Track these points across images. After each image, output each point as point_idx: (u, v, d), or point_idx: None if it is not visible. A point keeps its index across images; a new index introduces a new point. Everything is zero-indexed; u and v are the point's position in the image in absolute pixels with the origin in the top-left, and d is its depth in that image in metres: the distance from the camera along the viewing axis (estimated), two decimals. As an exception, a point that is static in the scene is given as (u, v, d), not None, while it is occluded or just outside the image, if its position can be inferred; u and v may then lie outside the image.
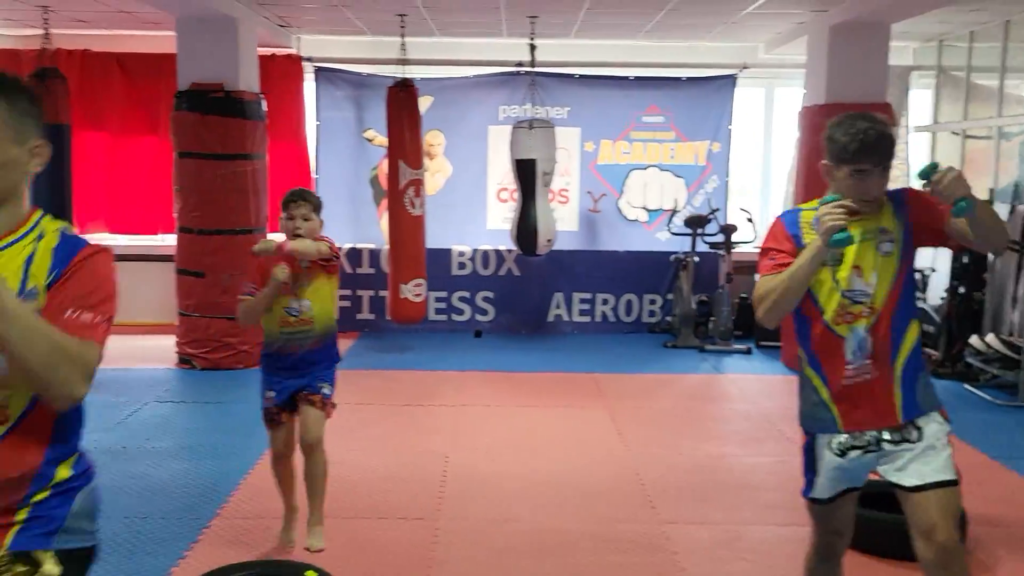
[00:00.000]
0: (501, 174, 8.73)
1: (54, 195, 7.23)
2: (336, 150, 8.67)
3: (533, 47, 7.31)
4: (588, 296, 8.77)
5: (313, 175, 8.62)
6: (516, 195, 7.61)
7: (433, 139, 8.66)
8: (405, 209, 7.33)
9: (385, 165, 8.72)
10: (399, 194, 7.32)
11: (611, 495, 4.42)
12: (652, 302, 8.76)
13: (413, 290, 7.45)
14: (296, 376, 3.60)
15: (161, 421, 5.64)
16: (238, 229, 6.88)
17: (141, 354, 7.34)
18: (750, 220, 7.87)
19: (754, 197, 9.12)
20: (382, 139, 8.69)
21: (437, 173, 8.75)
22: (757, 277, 2.62)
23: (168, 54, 8.33)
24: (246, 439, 5.19)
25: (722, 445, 5.34)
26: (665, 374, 7.14)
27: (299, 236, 3.54)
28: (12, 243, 1.67)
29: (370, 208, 8.73)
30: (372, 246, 8.63)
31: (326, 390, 3.64)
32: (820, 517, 2.71)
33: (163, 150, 8.52)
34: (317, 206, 3.64)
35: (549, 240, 7.48)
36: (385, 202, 8.74)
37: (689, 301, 8.09)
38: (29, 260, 1.66)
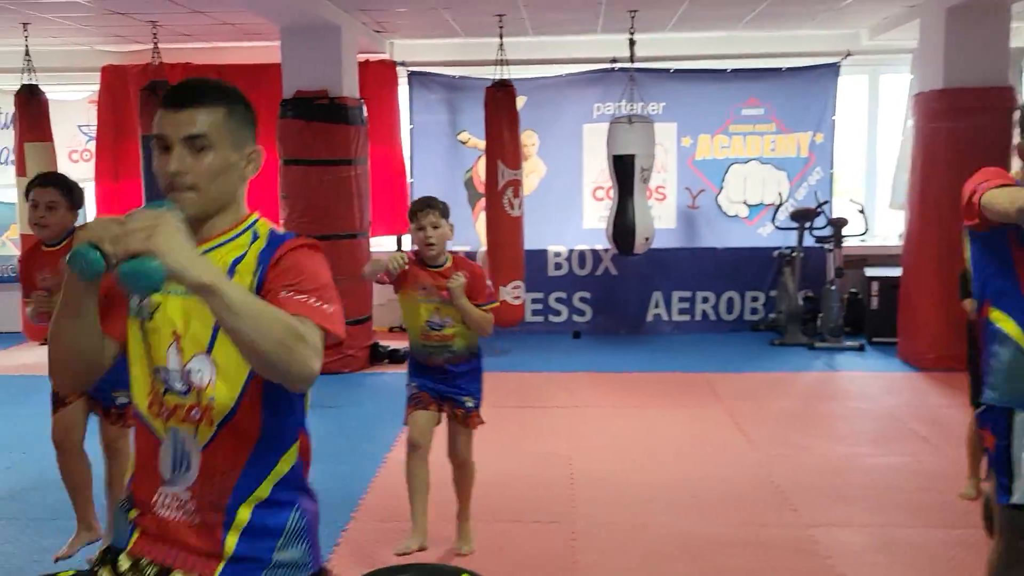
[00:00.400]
0: (596, 172, 8.63)
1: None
2: (430, 153, 8.69)
3: (632, 42, 7.19)
4: (688, 295, 8.59)
5: (408, 179, 8.64)
6: (613, 193, 7.48)
7: (527, 139, 8.60)
8: (504, 210, 7.28)
9: (480, 167, 8.73)
10: (498, 195, 7.27)
11: (747, 497, 4.28)
12: (754, 299, 8.54)
13: (512, 292, 7.39)
14: (442, 383, 3.56)
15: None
16: (344, 234, 6.93)
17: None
18: (862, 212, 7.60)
19: (858, 188, 8.82)
20: (476, 141, 8.69)
21: (531, 173, 8.68)
22: (984, 193, 2.28)
23: (265, 64, 8.50)
24: (367, 443, 5.21)
25: (853, 445, 5.13)
26: (778, 372, 6.93)
27: (431, 244, 3.47)
28: (223, 243, 1.68)
29: (465, 210, 8.71)
30: (467, 248, 8.60)
31: (469, 403, 3.60)
32: (1018, 526, 2.49)
33: (265, 158, 8.68)
34: (445, 212, 3.55)
35: (647, 239, 7.34)
36: (480, 204, 8.74)
37: (795, 298, 7.86)
38: (237, 260, 1.67)
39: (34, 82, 7.57)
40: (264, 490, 1.65)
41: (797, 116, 8.45)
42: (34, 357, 7.73)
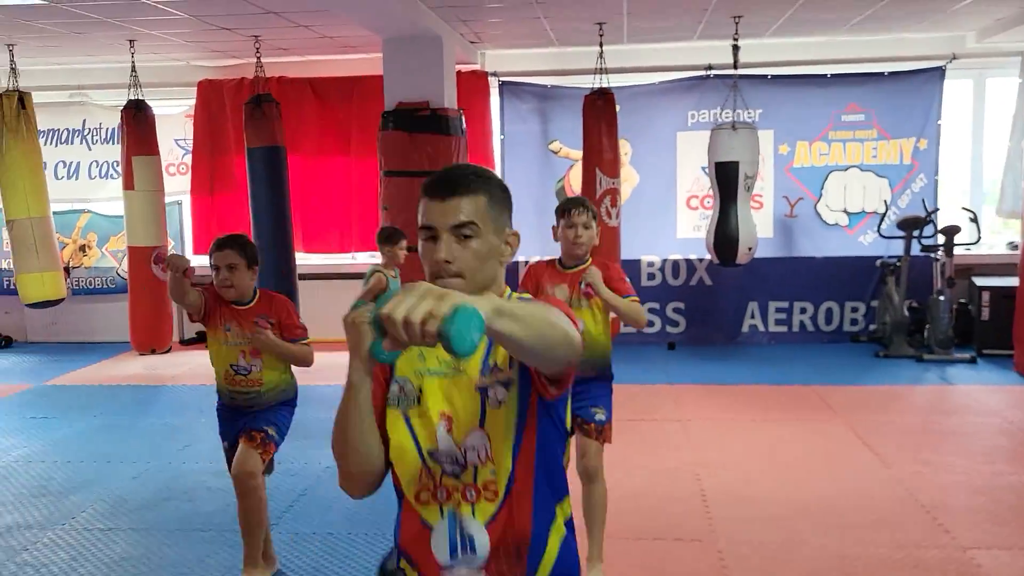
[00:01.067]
0: (691, 181, 8.51)
1: (276, 216, 7.49)
2: (521, 163, 8.64)
3: (736, 48, 7.05)
4: (785, 305, 8.41)
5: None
6: (714, 201, 7.34)
7: (620, 148, 8.50)
8: (601, 220, 7.18)
9: (571, 177, 8.66)
10: (595, 204, 7.18)
11: (893, 518, 4.12)
12: (854, 310, 8.32)
13: (615, 302, 7.28)
14: (576, 397, 3.44)
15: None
16: (445, 245, 6.90)
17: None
18: (974, 220, 7.34)
19: (962, 195, 8.53)
20: (568, 151, 8.63)
21: (624, 183, 8.57)
22: None
23: (358, 76, 8.58)
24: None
25: (991, 462, 4.92)
26: (889, 385, 6.71)
27: (580, 243, 3.38)
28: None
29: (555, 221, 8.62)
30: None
31: (600, 416, 3.46)
32: None
33: (354, 170, 8.75)
34: (596, 214, 3.51)
35: (750, 248, 7.18)
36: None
37: (901, 308, 7.62)
38: None
39: (140, 97, 7.72)
40: (553, 546, 1.64)
41: (900, 121, 8.21)
42: (139, 367, 7.87)
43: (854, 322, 8.35)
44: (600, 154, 7.15)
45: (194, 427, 5.94)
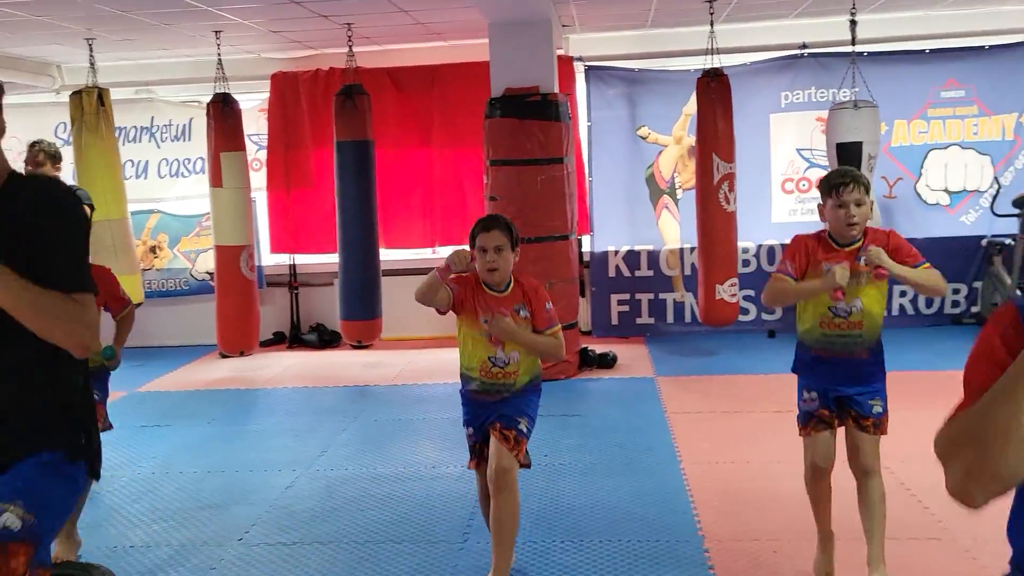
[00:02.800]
0: (785, 164, 8.27)
1: (365, 212, 7.22)
2: (609, 150, 8.38)
3: (854, 22, 6.79)
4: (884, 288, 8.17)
5: (587, 177, 8.36)
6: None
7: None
8: (719, 205, 6.95)
9: (661, 162, 8.42)
10: (712, 190, 6.94)
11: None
12: (955, 291, 8.11)
13: (728, 290, 7.06)
14: (849, 383, 3.20)
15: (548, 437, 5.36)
16: (557, 236, 6.67)
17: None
18: (1096, 195, 7.13)
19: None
20: (656, 136, 8.38)
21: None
22: None
23: (438, 65, 8.31)
24: (641, 453, 4.91)
25: None
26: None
27: (854, 224, 3.09)
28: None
29: (646, 208, 8.39)
30: (650, 247, 8.32)
31: (878, 408, 3.17)
32: None
33: (436, 162, 8.48)
34: (869, 186, 3.19)
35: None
36: (662, 201, 8.43)
37: (1012, 289, 7.41)
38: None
39: (227, 91, 7.43)
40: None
41: (1001, 96, 7.98)
42: (226, 370, 7.59)
43: (955, 304, 8.14)
44: (716, 138, 6.89)
45: (318, 431, 5.68)
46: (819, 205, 3.20)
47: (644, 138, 8.38)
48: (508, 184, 6.64)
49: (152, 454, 5.36)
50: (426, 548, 3.84)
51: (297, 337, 8.64)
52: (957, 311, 8.12)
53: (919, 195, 8.21)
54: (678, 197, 8.35)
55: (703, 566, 3.54)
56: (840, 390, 3.18)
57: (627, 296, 8.39)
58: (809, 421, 3.24)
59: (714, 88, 6.90)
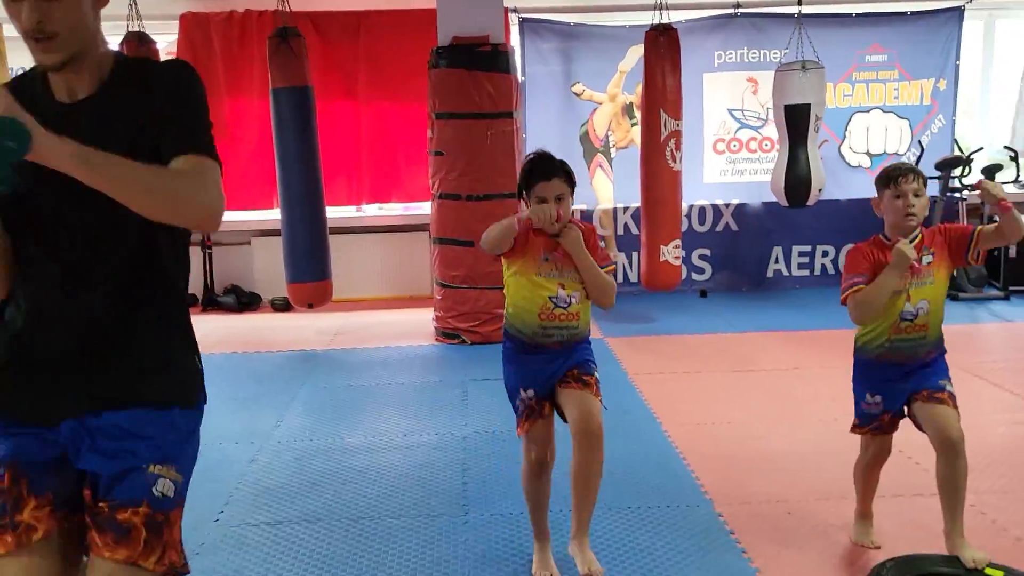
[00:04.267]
0: (718, 124, 8.29)
1: (307, 165, 6.79)
2: (543, 106, 8.18)
3: (798, -17, 6.81)
4: (808, 249, 8.39)
5: (521, 134, 8.12)
6: (781, 144, 7.14)
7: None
8: (666, 163, 6.88)
9: (595, 120, 8.29)
10: (659, 147, 6.86)
11: None
12: (873, 251, 8.38)
13: (673, 251, 7.04)
14: (915, 380, 3.06)
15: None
16: (506, 193, 6.43)
17: (401, 329, 6.98)
18: (1014, 158, 7.47)
19: (971, 134, 8.70)
20: (591, 93, 8.23)
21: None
22: None
23: (366, 11, 7.86)
24: (618, 416, 4.81)
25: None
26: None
27: (913, 215, 3.00)
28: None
29: (580, 167, 8.25)
30: (583, 207, 8.20)
31: (949, 387, 3.04)
32: None
33: (363, 116, 8.05)
34: (926, 180, 3.08)
35: (820, 189, 7.05)
36: (596, 160, 8.32)
37: (930, 248, 7.71)
38: None
39: (142, 30, 6.78)
40: None
41: (920, 62, 8.25)
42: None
43: (873, 264, 8.42)
44: (664, 94, 6.79)
45: (264, 399, 5.32)
46: (873, 199, 3.12)
47: (579, 95, 8.22)
48: (456, 138, 6.35)
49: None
50: (427, 523, 3.61)
51: (212, 300, 8.10)
52: (874, 270, 8.40)
53: (843, 157, 8.42)
54: (612, 156, 8.26)
55: (723, 531, 3.46)
56: (907, 387, 3.10)
57: (559, 256, 8.27)
58: (871, 423, 3.18)
59: (663, 43, 6.79)
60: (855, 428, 3.25)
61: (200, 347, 1.82)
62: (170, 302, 1.70)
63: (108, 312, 1.59)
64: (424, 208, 7.72)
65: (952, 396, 3.03)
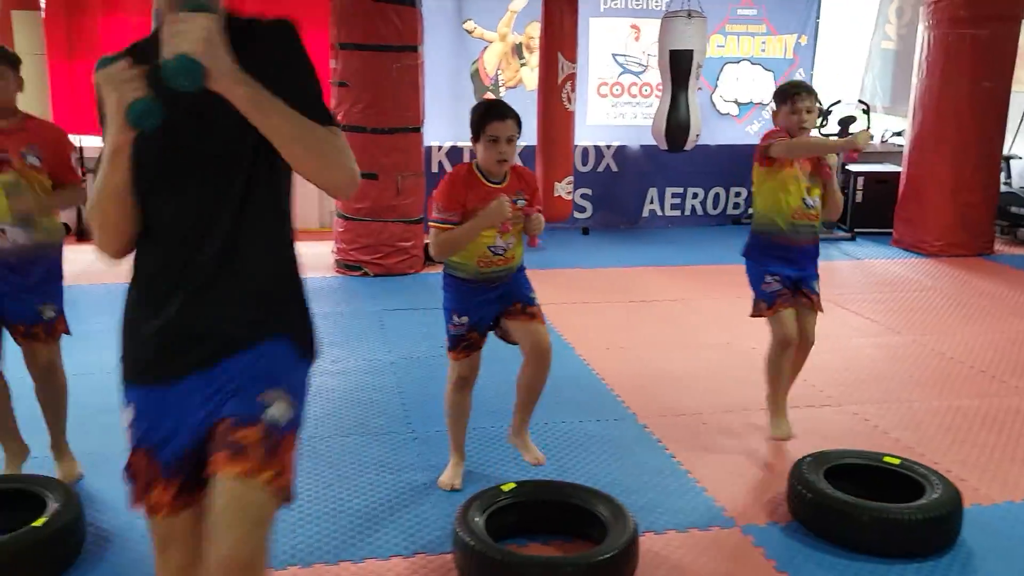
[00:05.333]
0: (602, 68, 8.62)
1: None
2: (434, 44, 8.19)
3: (689, -66, 7.15)
4: (680, 191, 8.94)
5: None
6: (664, 88, 7.53)
7: (532, 32, 8.38)
8: (561, 104, 7.16)
9: (486, 58, 8.42)
10: (556, 88, 7.12)
11: (956, 374, 4.75)
12: (737, 195, 9.04)
13: (566, 187, 7.36)
14: (804, 267, 3.66)
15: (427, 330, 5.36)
16: (410, 127, 6.53)
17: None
18: (866, 112, 8.21)
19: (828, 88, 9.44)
20: (482, 31, 8.35)
21: (535, 69, 8.50)
22: None
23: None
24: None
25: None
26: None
27: (806, 128, 3.49)
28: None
29: (470, 105, 8.38)
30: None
31: (817, 286, 3.69)
32: None
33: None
34: (818, 98, 3.62)
35: (698, 135, 7.52)
36: (483, 98, 8.47)
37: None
38: None
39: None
40: None
41: (785, 18, 8.86)
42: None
43: (736, 206, 9.08)
44: (561, 37, 7.02)
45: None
46: (773, 111, 3.57)
47: (470, 32, 8.32)
48: (361, 70, 6.35)
49: None
50: (376, 439, 3.80)
51: (85, 230, 7.75)
52: (738, 212, 9.06)
53: (714, 105, 8.96)
54: (501, 95, 8.44)
55: (651, 439, 3.84)
56: (797, 273, 3.61)
57: (448, 192, 8.43)
58: (775, 301, 3.61)
59: (562, -13, 6.99)
60: (764, 312, 3.67)
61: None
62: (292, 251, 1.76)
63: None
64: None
65: (818, 297, 3.72)
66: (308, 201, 8.08)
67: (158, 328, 1.63)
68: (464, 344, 3.28)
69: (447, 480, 3.37)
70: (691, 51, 7.17)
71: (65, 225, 3.28)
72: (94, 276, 5.82)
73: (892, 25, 9.38)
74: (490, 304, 3.21)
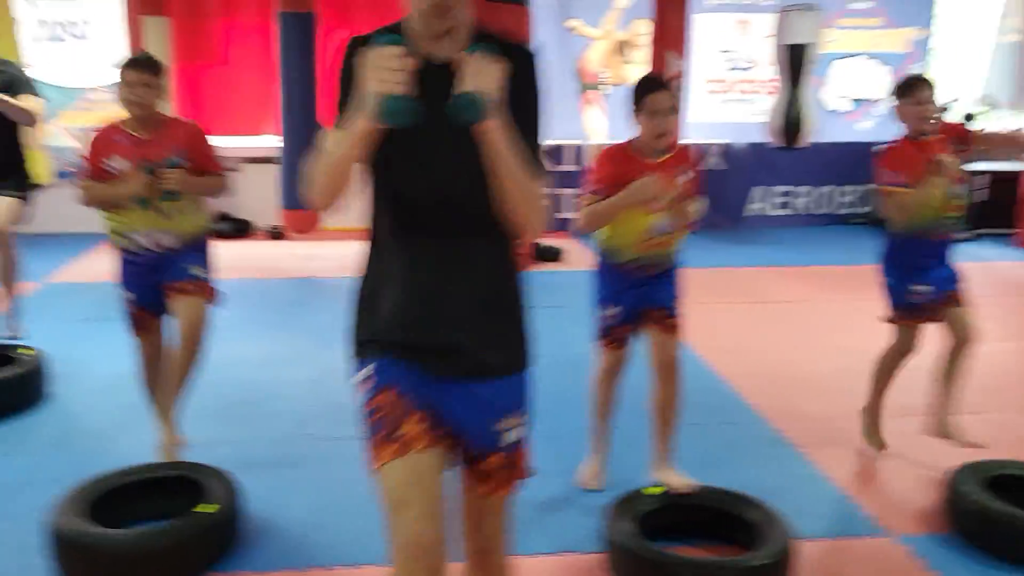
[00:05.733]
0: (707, 64, 8.49)
1: (305, 91, 6.73)
2: (537, 40, 8.21)
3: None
4: (786, 189, 8.73)
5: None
6: (780, 84, 7.36)
7: (639, 30, 8.30)
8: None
9: (589, 56, 8.38)
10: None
11: None
12: (846, 194, 8.78)
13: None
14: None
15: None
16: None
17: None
18: (990, 108, 7.88)
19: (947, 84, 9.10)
20: (586, 29, 8.31)
21: (639, 65, 8.42)
22: None
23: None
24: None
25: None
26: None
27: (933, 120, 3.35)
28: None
29: (573, 102, 8.37)
30: (576, 142, 8.33)
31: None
32: None
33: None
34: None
35: (813, 132, 7.32)
36: (587, 95, 8.43)
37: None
38: None
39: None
40: None
41: (902, 11, 8.57)
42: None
43: (846, 205, 8.82)
44: (670, 35, 6.93)
45: (296, 322, 5.38)
46: (895, 106, 3.39)
47: (573, 30, 8.29)
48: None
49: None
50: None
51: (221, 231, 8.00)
52: (847, 212, 8.80)
53: (823, 101, 8.72)
54: (605, 93, 8.38)
55: (786, 443, 3.74)
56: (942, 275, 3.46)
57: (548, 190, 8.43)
58: (918, 313, 3.46)
59: (674, -17, 6.90)
60: (897, 320, 3.50)
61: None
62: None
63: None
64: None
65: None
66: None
67: (405, 318, 1.71)
68: (614, 335, 3.22)
69: (588, 479, 3.33)
70: (808, 45, 6.98)
71: (208, 223, 3.36)
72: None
73: (1017, 17, 8.96)
74: (640, 299, 3.15)
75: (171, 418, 3.35)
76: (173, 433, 3.34)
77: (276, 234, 7.93)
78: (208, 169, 3.27)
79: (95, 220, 3.37)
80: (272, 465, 3.48)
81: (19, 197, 4.63)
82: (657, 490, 2.94)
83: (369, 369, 1.73)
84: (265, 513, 3.09)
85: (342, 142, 1.60)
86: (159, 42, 6.52)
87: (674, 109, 2.97)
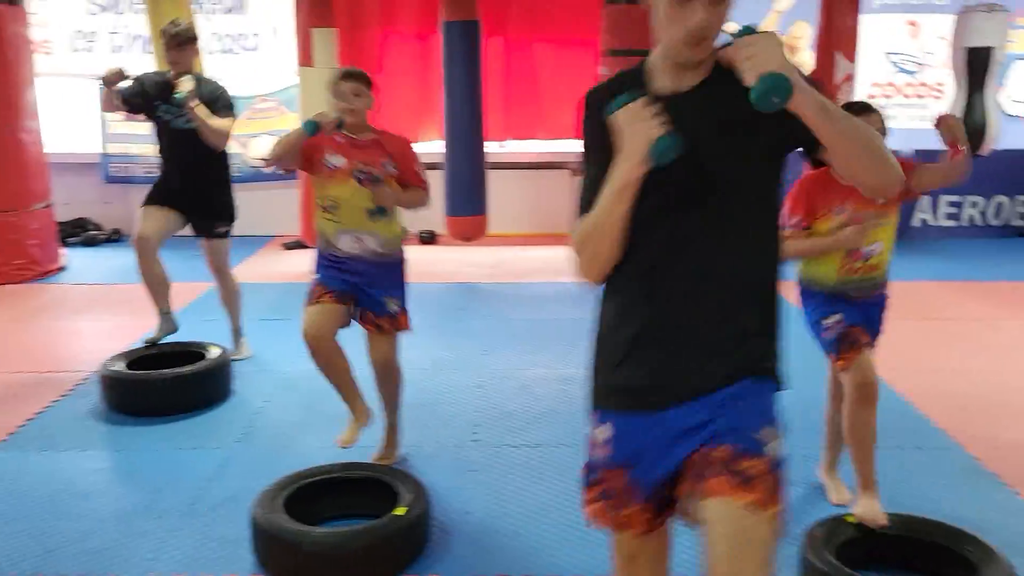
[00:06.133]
0: (873, 67, 8.12)
1: (472, 100, 6.82)
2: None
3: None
4: (957, 199, 8.23)
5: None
6: (961, 89, 6.96)
7: (797, 31, 8.03)
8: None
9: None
10: (834, 90, 6.74)
11: None
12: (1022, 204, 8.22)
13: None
14: None
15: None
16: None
17: (554, 266, 7.02)
18: None
19: None
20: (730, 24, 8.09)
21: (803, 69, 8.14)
22: None
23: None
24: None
25: None
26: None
27: None
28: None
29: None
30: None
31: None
32: None
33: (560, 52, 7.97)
34: None
35: (995, 139, 6.89)
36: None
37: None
38: None
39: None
40: None
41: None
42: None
43: (1021, 216, 8.25)
44: (839, 36, 6.65)
45: (452, 326, 5.45)
46: None
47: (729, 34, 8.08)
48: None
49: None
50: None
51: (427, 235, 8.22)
52: (1022, 224, 8.23)
53: (1000, 105, 8.18)
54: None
55: (984, 471, 3.50)
56: None
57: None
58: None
59: (843, -17, 6.63)
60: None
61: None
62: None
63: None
64: (565, 146, 7.78)
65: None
66: (557, 206, 8.13)
67: (639, 359, 1.67)
68: (849, 341, 2.98)
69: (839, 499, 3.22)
70: (991, 48, 6.57)
71: (404, 229, 3.44)
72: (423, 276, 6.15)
73: None
74: (858, 313, 3.00)
75: (394, 428, 3.54)
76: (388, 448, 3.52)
77: (427, 239, 8.07)
78: (412, 182, 3.34)
79: (265, 222, 3.48)
80: (450, 471, 3.51)
81: (230, 234, 4.73)
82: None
83: (606, 431, 1.72)
84: (449, 518, 3.11)
85: (610, 197, 1.61)
86: (326, 52, 6.72)
87: (882, 132, 2.84)
